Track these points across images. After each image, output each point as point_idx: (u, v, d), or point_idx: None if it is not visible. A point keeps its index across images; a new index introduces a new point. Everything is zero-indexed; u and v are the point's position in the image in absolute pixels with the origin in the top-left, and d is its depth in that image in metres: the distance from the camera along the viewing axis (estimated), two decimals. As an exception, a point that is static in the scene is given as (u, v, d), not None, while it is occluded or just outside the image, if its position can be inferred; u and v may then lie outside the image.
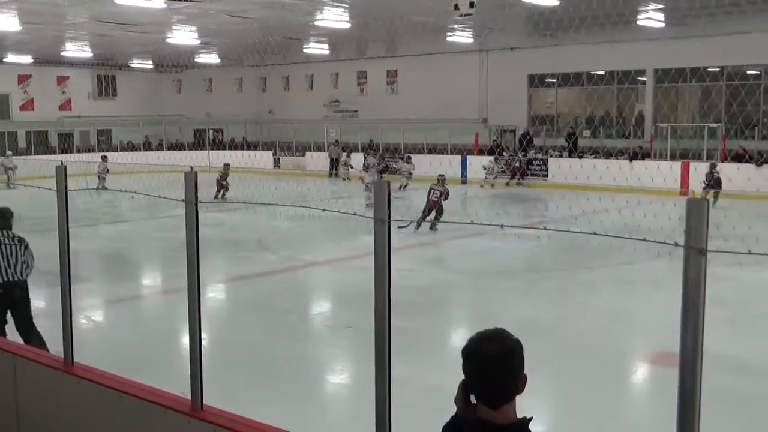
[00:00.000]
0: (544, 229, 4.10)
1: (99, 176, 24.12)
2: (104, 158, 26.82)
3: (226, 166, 23.65)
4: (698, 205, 2.09)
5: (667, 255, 11.42)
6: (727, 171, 20.32)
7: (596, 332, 8.82)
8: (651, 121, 27.34)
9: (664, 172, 18.69)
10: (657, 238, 3.03)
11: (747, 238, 8.60)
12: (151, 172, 23.06)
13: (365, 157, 29.09)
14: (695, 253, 2.09)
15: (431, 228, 15.70)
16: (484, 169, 27.12)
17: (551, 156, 27.50)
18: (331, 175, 31.67)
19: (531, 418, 2.15)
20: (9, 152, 29.49)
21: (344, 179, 29.52)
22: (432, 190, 16.67)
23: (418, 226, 15.37)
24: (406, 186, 25.36)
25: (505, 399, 2.10)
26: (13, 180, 26.16)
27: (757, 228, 9.83)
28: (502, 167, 27.29)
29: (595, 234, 2.72)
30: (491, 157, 27.12)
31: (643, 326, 9.01)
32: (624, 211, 15.03)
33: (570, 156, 26.67)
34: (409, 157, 27.81)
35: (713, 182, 19.88)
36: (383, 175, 25.94)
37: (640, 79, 27.64)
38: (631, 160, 24.28)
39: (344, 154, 30.94)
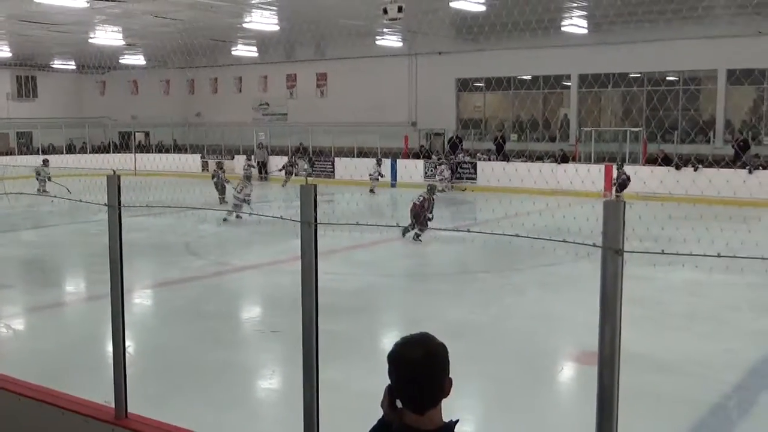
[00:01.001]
0: (468, 231, 4.16)
1: (39, 179, 23.66)
2: (46, 162, 26.19)
3: (219, 164, 23.35)
4: (615, 207, 2.16)
5: (589, 256, 11.78)
6: (643, 174, 20.98)
7: (523, 333, 8.98)
8: (576, 124, 28.00)
9: (587, 175, 19.14)
10: (579, 239, 3.12)
11: (660, 239, 8.89)
12: (75, 176, 22.59)
13: (295, 161, 28.99)
14: (612, 254, 2.17)
15: (415, 239, 15.18)
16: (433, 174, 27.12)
17: (479, 159, 27.87)
18: (260, 179, 31.41)
19: (457, 421, 2.16)
20: None
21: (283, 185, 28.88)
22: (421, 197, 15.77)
23: (404, 234, 15.10)
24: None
25: (430, 404, 2.11)
26: None
27: (669, 229, 10.17)
28: (432, 170, 27.49)
29: (518, 236, 2.78)
30: (441, 163, 27.26)
31: (568, 326, 9.22)
32: (546, 213, 15.37)
33: (498, 159, 27.11)
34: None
35: (620, 183, 20.95)
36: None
37: (565, 83, 28.28)
38: (557, 163, 24.81)
39: (304, 159, 30.24)
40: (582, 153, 26.63)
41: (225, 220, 18.17)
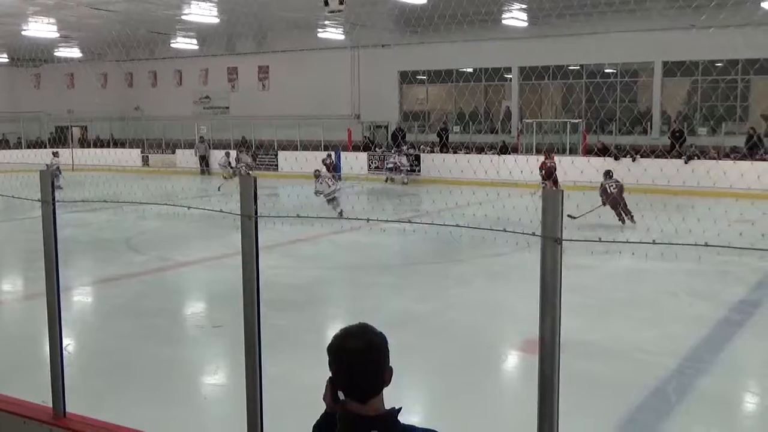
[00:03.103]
0: (409, 222, 4.19)
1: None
2: (56, 154, 25.53)
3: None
4: (553, 197, 2.19)
5: (532, 246, 11.95)
6: (581, 164, 21.32)
7: (466, 323, 9.06)
8: (518, 116, 28.34)
9: (527, 166, 19.39)
10: (519, 229, 3.15)
11: (598, 228, 9.06)
12: (10, 171, 21.98)
13: (238, 155, 28.66)
14: (551, 242, 2.20)
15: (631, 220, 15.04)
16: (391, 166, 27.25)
17: (423, 151, 28.01)
18: (202, 172, 31.09)
19: (400, 409, 2.18)
20: None
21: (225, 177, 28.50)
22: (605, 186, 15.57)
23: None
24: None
25: (372, 393, 2.13)
26: None
27: (607, 218, 10.38)
28: (378, 163, 27.56)
29: (458, 226, 2.80)
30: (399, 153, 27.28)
31: (511, 316, 9.33)
32: (488, 204, 15.53)
33: (441, 151, 27.30)
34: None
35: (546, 172, 20.96)
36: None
37: (506, 76, 28.58)
38: (499, 155, 25.08)
39: (247, 153, 29.82)
40: (523, 144, 26.97)
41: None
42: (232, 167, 24.99)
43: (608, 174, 16.23)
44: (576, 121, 26.33)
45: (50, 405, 3.37)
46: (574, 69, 27.17)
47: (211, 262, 12.93)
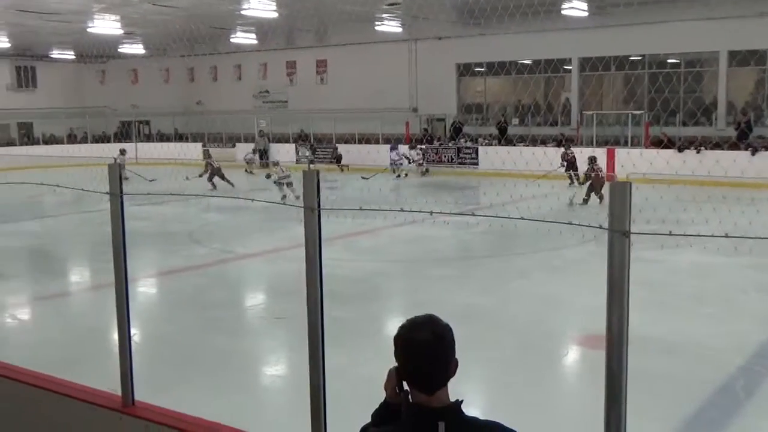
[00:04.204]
0: (473, 215, 4.15)
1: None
2: (123, 152, 26.44)
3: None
4: (621, 189, 2.14)
5: (594, 239, 11.76)
6: (649, 156, 20.93)
7: (528, 317, 8.98)
8: (577, 108, 27.92)
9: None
10: (583, 222, 3.10)
11: (668, 221, 8.87)
12: (77, 165, 22.60)
13: (297, 149, 29.01)
14: (619, 236, 2.15)
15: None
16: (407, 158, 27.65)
17: (481, 144, 27.83)
18: (261, 166, 31.46)
19: (462, 401, 2.18)
20: None
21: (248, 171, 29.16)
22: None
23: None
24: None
25: (438, 384, 2.13)
26: None
27: (677, 211, 10.13)
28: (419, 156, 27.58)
29: (523, 219, 2.77)
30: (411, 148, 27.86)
31: (573, 310, 9.22)
32: (551, 197, 15.35)
33: (500, 144, 27.08)
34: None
35: (568, 164, 22.13)
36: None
37: (565, 67, 28.16)
38: (558, 147, 24.76)
39: (306, 147, 30.41)
40: (583, 137, 26.56)
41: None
42: (254, 164, 25.26)
43: (593, 160, 18.55)
44: (638, 112, 25.80)
45: (118, 393, 3.46)
46: (636, 59, 26.61)
47: (271, 255, 13.09)
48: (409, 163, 27.22)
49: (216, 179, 22.83)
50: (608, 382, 2.21)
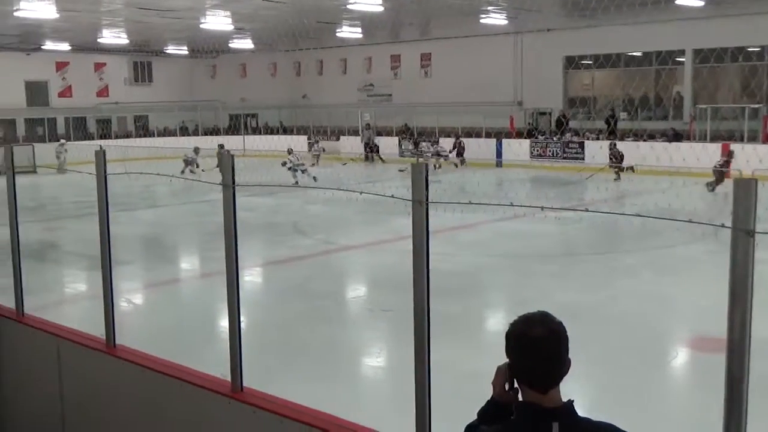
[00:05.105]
0: (586, 210, 4.03)
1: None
2: (197, 150, 27.67)
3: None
4: (746, 186, 2.04)
5: (704, 238, 11.30)
6: (764, 151, 20.01)
7: (635, 317, 8.72)
8: (690, 102, 26.90)
9: (703, 154, 18.41)
10: (695, 220, 2.97)
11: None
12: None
13: (400, 141, 29.20)
14: (743, 235, 2.05)
15: None
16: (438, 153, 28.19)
17: (587, 138, 27.20)
18: (366, 159, 31.76)
19: (573, 401, 2.13)
20: (63, 140, 30.34)
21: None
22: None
23: None
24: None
25: (552, 383, 2.08)
26: (63, 165, 26.46)
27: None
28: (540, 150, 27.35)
29: (639, 215, 2.67)
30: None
31: (683, 310, 8.91)
32: (658, 193, 14.83)
33: (608, 138, 26.39)
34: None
35: (615, 159, 22.73)
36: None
37: (678, 59, 27.17)
38: (669, 142, 23.94)
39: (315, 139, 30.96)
40: (697, 131, 25.57)
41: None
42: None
43: (731, 154, 19.38)
44: (756, 106, 24.61)
45: (227, 378, 3.54)
46: (754, 50, 25.39)
47: (373, 247, 13.19)
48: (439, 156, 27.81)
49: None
50: (728, 387, 2.11)
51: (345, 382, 6.70)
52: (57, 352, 4.48)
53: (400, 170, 23.29)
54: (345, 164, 28.48)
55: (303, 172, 22.09)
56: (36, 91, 36.49)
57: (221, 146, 26.44)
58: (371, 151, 32.02)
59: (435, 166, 26.06)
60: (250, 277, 11.23)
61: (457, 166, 27.38)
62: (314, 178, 21.78)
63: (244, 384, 3.52)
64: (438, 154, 27.79)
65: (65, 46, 34.27)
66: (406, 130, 32.51)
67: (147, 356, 4.08)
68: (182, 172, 24.13)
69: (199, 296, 10.47)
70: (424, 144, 29.33)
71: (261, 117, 39.84)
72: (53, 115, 35.81)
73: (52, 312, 7.20)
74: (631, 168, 22.56)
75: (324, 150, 31.22)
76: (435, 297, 2.88)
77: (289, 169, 22.30)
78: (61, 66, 36.87)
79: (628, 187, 12.99)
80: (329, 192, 18.64)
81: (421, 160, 25.88)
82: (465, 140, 28.87)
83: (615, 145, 23.98)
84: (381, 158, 31.49)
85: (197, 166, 25.39)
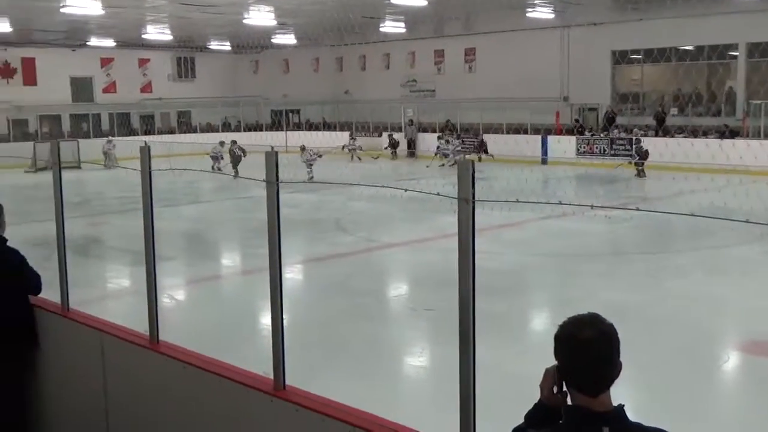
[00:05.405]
0: (638, 209, 3.98)
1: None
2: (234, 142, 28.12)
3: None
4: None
5: (762, 239, 11.06)
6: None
7: (683, 319, 8.58)
8: (743, 97, 26.35)
9: (760, 151, 18.00)
10: (752, 220, 2.90)
11: None
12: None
13: (446, 137, 29.19)
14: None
15: None
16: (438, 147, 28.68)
17: (636, 135, 26.81)
18: (408, 155, 31.76)
19: (623, 406, 2.10)
20: (110, 138, 30.89)
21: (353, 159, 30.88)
22: None
23: None
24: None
25: (603, 386, 2.06)
26: (112, 162, 26.84)
27: None
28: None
29: (693, 215, 2.62)
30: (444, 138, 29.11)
31: (735, 312, 8.73)
32: (712, 192, 14.57)
33: (658, 135, 25.99)
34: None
35: (641, 155, 23.15)
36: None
37: (731, 53, 26.62)
38: (722, 139, 23.49)
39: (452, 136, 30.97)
40: (750, 128, 25.03)
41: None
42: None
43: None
44: (815, 102, 24.02)
45: (269, 376, 3.56)
46: (814, 44, 24.77)
47: (416, 245, 13.17)
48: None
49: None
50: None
51: (386, 381, 6.71)
52: (101, 348, 4.55)
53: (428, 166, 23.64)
54: (376, 158, 28.74)
55: (310, 167, 22.51)
56: (81, 87, 37.18)
57: (234, 142, 26.55)
58: (410, 147, 32.10)
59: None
60: (292, 274, 11.30)
61: (480, 160, 27.74)
62: (311, 177, 21.84)
63: (286, 382, 3.54)
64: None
65: (110, 42, 34.84)
66: (448, 126, 32.38)
67: (190, 352, 4.12)
68: (212, 168, 24.43)
69: (240, 293, 10.57)
70: (441, 141, 29.33)
71: (303, 113, 40.04)
72: (98, 111, 36.41)
73: (95, 307, 7.32)
74: (641, 171, 22.80)
75: (361, 148, 31.59)
76: (479, 296, 2.86)
77: (303, 161, 22.82)
78: (105, 62, 37.51)
79: (683, 186, 12.76)
80: (372, 189, 18.70)
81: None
82: (487, 136, 29.40)
83: (639, 141, 24.22)
84: (395, 155, 32.04)
85: (221, 159, 25.67)
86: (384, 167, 25.52)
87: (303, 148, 23.84)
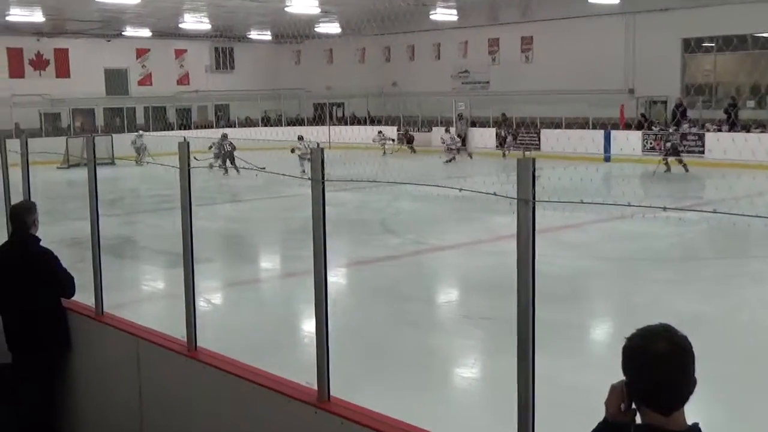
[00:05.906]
0: (714, 212, 3.88)
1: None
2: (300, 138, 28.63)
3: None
4: None
5: None
6: None
7: (762, 329, 8.40)
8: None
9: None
10: None
11: None
12: (272, 149, 23.87)
13: (497, 133, 29.11)
14: None
15: None
16: (442, 142, 29.58)
17: (708, 130, 26.34)
18: (457, 151, 31.64)
19: (698, 424, 2.06)
20: (140, 131, 31.24)
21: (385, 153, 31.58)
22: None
23: None
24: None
25: (677, 403, 2.02)
26: (143, 158, 27.25)
27: None
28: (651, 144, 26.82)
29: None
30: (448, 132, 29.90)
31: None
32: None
33: (731, 130, 25.48)
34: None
35: (671, 150, 23.65)
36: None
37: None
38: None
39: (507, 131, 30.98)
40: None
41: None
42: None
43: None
44: None
45: (312, 386, 3.58)
46: None
47: (467, 248, 13.10)
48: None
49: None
50: None
51: (437, 393, 6.68)
52: (136, 353, 4.62)
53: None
54: (414, 152, 28.90)
55: (308, 161, 22.06)
56: (115, 79, 37.77)
57: (224, 136, 26.65)
58: (465, 143, 32.01)
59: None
60: (336, 277, 11.32)
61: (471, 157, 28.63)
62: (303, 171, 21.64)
63: (331, 393, 3.55)
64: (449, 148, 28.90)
65: (146, 32, 35.31)
66: (504, 120, 32.17)
67: (229, 360, 4.16)
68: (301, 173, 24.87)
69: (281, 297, 10.64)
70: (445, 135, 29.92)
71: (348, 106, 40.11)
72: (132, 104, 36.92)
73: (130, 310, 7.43)
74: (684, 165, 23.10)
75: (393, 141, 32.53)
76: (537, 303, 2.83)
77: (300, 156, 22.77)
78: (141, 53, 38.04)
79: (761, 184, 12.49)
80: (417, 187, 18.67)
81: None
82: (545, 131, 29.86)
83: (672, 133, 24.70)
84: (413, 149, 32.90)
85: (308, 159, 25.91)
86: (431, 164, 25.44)
87: (301, 138, 23.95)
